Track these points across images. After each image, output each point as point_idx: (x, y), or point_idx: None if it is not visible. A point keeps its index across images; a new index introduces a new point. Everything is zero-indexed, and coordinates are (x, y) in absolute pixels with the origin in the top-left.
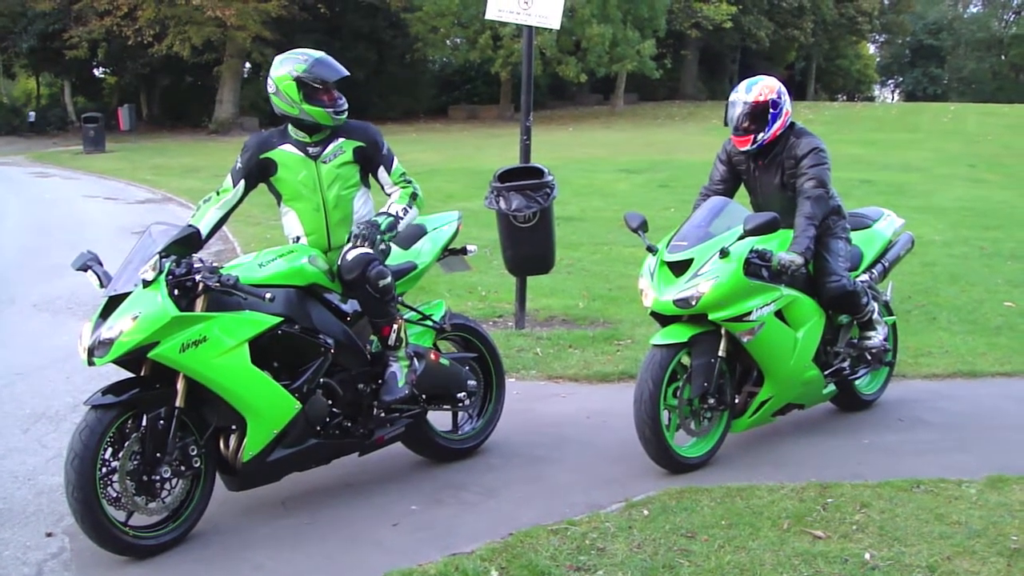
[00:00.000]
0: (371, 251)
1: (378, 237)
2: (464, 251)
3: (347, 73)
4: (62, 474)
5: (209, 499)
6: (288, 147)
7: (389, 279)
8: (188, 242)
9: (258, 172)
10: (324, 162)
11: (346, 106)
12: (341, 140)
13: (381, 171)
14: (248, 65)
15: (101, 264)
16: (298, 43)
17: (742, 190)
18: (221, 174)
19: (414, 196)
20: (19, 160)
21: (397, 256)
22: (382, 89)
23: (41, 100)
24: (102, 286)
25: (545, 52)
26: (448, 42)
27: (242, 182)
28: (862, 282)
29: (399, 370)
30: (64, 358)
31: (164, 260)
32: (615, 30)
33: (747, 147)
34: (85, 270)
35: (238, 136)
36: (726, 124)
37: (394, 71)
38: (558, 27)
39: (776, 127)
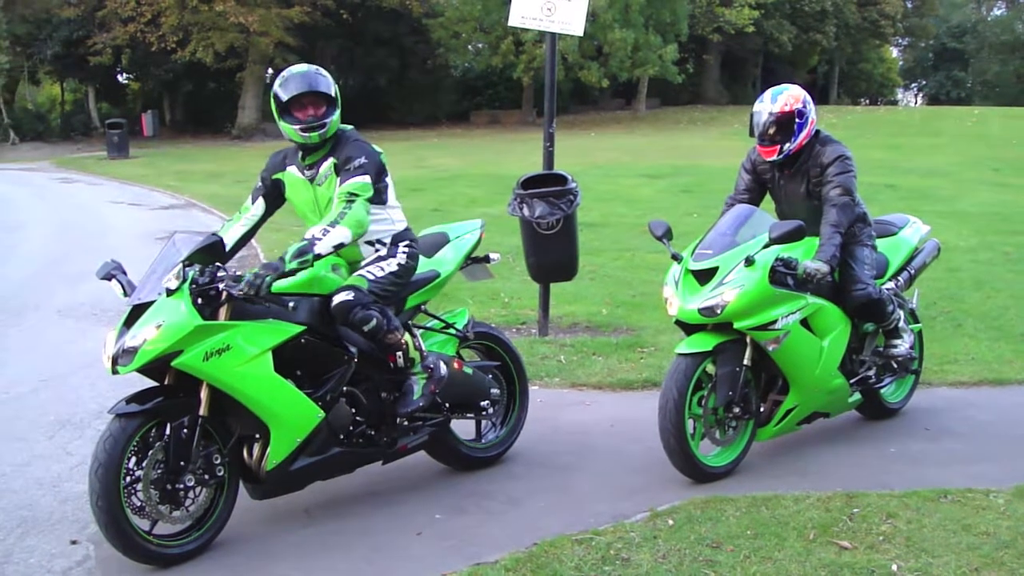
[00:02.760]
0: (350, 297)
1: (268, 280)
2: (487, 259)
3: (314, 88)
4: (87, 482)
5: (232, 507)
6: (293, 169)
7: (374, 322)
8: (212, 251)
9: (275, 192)
10: (318, 185)
11: (324, 123)
12: (330, 160)
13: (338, 184)
14: (271, 71)
15: (125, 273)
16: (320, 49)
17: (768, 199)
18: (243, 179)
19: (341, 215)
20: (44, 166)
21: (420, 264)
22: (404, 95)
23: (65, 106)
24: (126, 295)
25: (567, 57)
26: (470, 47)
27: (260, 200)
28: (888, 290)
29: (416, 382)
30: (88, 364)
31: (188, 269)
32: (637, 35)
33: (773, 157)
34: (109, 279)
35: (260, 142)
36: (751, 134)
37: (416, 77)
38: (581, 33)
39: (802, 137)
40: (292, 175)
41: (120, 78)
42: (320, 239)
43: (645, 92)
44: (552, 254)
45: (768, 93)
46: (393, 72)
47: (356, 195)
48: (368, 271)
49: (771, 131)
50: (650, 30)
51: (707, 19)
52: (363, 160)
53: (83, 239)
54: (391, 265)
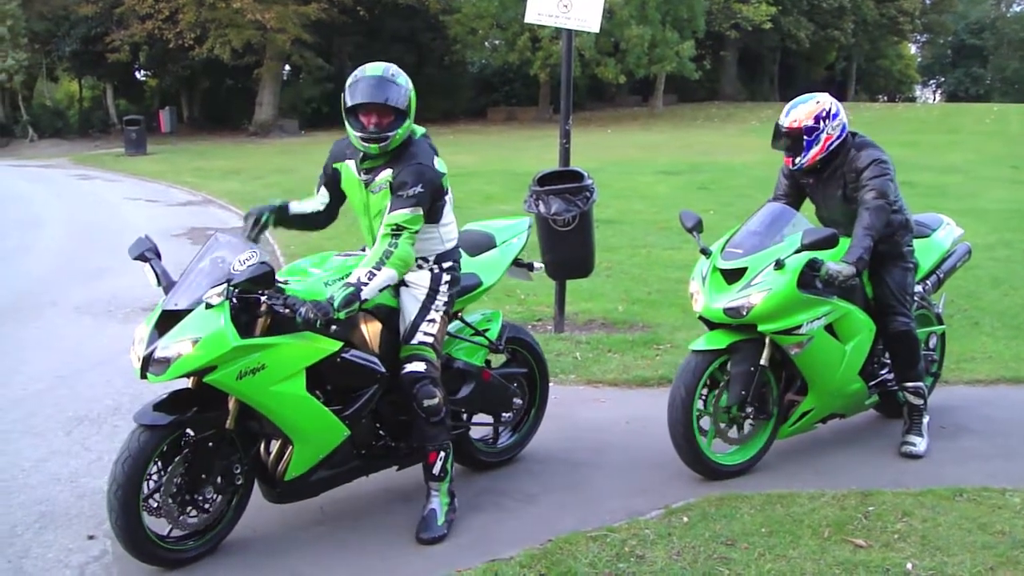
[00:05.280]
0: (422, 369)
1: (318, 325)
2: (531, 267)
3: (374, 100)
4: (104, 478)
5: (246, 505)
6: (351, 164)
7: (436, 400)
8: (263, 281)
9: (335, 181)
10: (372, 192)
11: (387, 136)
12: (389, 171)
13: (388, 210)
14: (288, 68)
15: (159, 256)
16: (337, 46)
17: (808, 202)
18: (260, 176)
19: (387, 254)
20: (62, 163)
21: (463, 264)
22: (421, 91)
23: (84, 103)
24: (159, 284)
25: (584, 53)
26: (487, 44)
27: (323, 189)
28: (916, 295)
29: (439, 507)
30: (105, 361)
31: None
32: (654, 31)
33: (791, 167)
34: (144, 260)
35: (277, 138)
36: (773, 146)
37: (433, 73)
38: (598, 30)
39: (813, 152)
40: (349, 170)
41: (138, 75)
42: (366, 283)
43: (662, 89)
44: (568, 251)
45: (789, 105)
46: (410, 69)
47: (404, 228)
48: (425, 332)
49: (782, 143)
50: (667, 26)
51: (724, 15)
52: (419, 189)
53: (100, 236)
54: (439, 308)
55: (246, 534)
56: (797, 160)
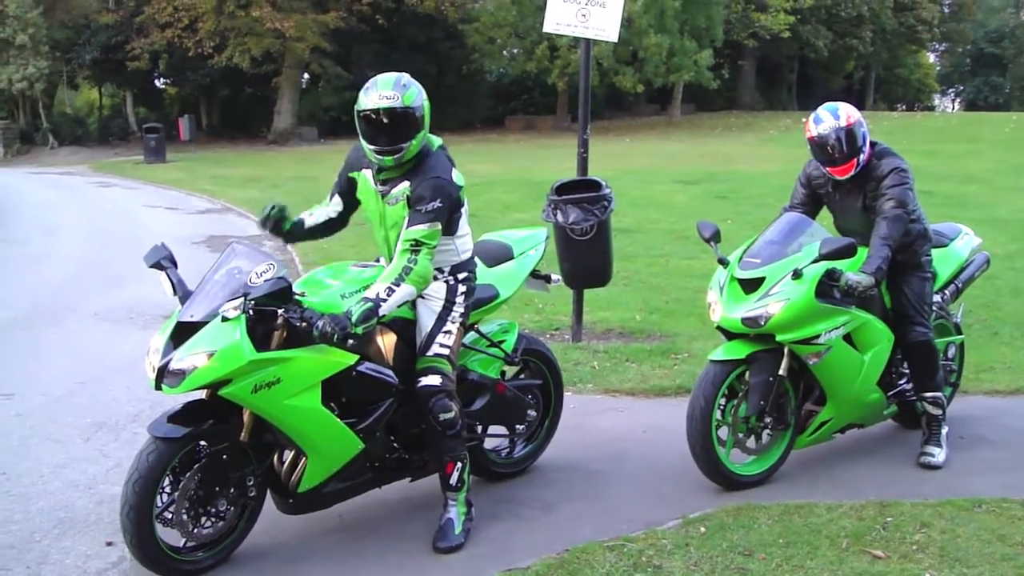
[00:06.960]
0: (438, 383)
1: (335, 339)
2: (548, 279)
3: (379, 106)
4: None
5: (258, 515)
6: (368, 173)
7: (452, 414)
8: (280, 297)
9: (350, 189)
10: (388, 203)
11: (401, 148)
12: (406, 183)
13: (407, 224)
14: (306, 76)
15: (175, 264)
16: (356, 55)
17: (825, 211)
18: (279, 184)
19: (406, 271)
20: (82, 170)
21: (480, 275)
22: (439, 100)
23: (103, 111)
24: (175, 293)
25: (602, 62)
26: (505, 53)
27: (336, 197)
28: (934, 305)
29: (456, 516)
30: (125, 368)
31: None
32: (672, 40)
33: (851, 172)
34: (160, 269)
35: (296, 146)
36: (822, 163)
37: (451, 82)
38: (616, 39)
39: (868, 145)
40: (366, 179)
41: (158, 83)
42: (385, 300)
43: (680, 98)
44: (586, 260)
45: (824, 113)
46: (428, 77)
47: (422, 244)
48: (441, 344)
49: (843, 148)
50: (685, 35)
51: (742, 24)
52: (437, 204)
53: (120, 243)
54: (455, 320)
55: (264, 542)
56: (860, 158)
